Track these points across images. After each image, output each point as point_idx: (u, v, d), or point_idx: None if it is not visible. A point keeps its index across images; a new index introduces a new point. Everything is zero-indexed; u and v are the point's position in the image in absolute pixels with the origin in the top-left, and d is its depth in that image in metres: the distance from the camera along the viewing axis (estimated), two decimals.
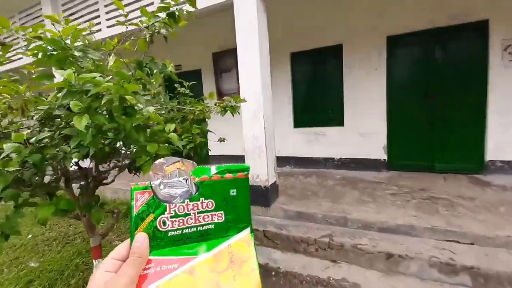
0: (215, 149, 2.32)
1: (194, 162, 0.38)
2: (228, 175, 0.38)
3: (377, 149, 4.06)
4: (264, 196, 2.89)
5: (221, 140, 2.07)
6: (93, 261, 1.75)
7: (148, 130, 1.26)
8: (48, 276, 2.27)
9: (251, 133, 2.88)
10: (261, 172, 2.86)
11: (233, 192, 0.38)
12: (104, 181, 1.77)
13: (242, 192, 0.38)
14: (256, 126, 2.84)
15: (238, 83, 2.88)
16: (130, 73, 1.37)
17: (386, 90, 3.90)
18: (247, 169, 0.39)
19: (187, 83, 2.04)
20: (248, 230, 0.39)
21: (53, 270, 2.37)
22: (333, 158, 4.38)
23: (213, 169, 0.38)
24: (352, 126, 4.18)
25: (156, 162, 0.36)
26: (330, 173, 4.16)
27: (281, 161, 4.57)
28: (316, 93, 4.45)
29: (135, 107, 1.13)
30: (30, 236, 3.19)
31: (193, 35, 4.60)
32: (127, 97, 1.01)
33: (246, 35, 2.77)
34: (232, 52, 4.51)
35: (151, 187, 0.35)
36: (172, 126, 1.32)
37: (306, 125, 4.56)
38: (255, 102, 2.81)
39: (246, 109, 2.88)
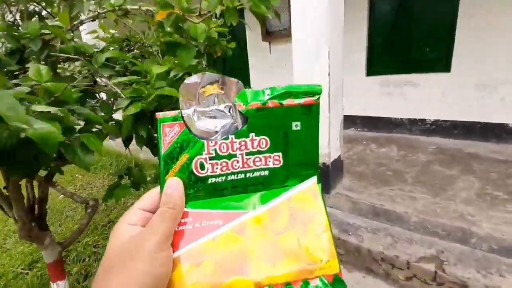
0: None
1: (240, 82, 0.28)
2: (289, 101, 0.27)
3: (501, 109, 2.63)
4: (322, 176, 1.97)
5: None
6: (51, 284, 1.17)
7: None
8: None
9: (306, 79, 1.86)
10: (319, 142, 1.90)
11: (296, 125, 0.28)
12: None
13: (309, 125, 0.28)
14: (315, 70, 1.80)
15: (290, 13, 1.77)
16: None
17: None
18: (318, 92, 0.28)
19: None
20: (314, 179, 0.29)
21: None
22: (424, 120, 3.08)
23: (267, 92, 0.27)
24: (465, 72, 2.74)
25: (187, 81, 0.27)
26: (418, 141, 2.94)
27: (344, 121, 3.48)
28: (405, 19, 2.99)
29: None
30: (61, 196, 2.98)
31: None
32: None
33: None
34: None
35: (182, 117, 0.27)
36: None
37: (386, 71, 3.24)
38: (315, 31, 1.72)
39: (299, 44, 1.82)
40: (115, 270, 0.23)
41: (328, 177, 1.96)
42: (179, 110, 0.27)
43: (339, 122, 2.00)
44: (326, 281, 0.26)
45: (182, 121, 0.27)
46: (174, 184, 0.27)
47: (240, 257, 0.26)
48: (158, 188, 0.27)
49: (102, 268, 0.24)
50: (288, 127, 0.28)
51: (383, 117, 3.35)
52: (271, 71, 4.15)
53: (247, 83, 4.37)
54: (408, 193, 1.88)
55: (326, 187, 1.97)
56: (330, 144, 1.90)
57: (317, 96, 0.28)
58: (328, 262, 0.26)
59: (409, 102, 3.14)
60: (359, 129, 3.56)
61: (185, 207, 0.27)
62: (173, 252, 0.25)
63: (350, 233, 1.64)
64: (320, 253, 0.26)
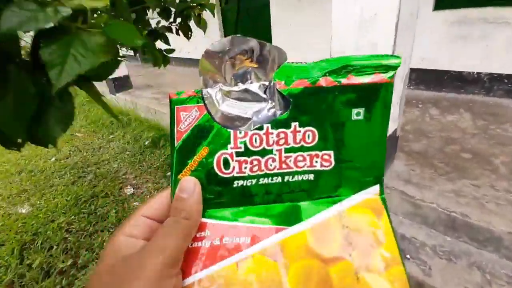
0: None
1: (283, 51, 0.21)
2: (351, 79, 0.20)
3: None
4: None
5: None
6: None
7: None
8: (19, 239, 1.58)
9: (354, 9, 1.10)
10: None
11: (357, 113, 0.21)
12: None
13: (375, 114, 0.21)
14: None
15: None
16: None
17: None
18: (394, 66, 0.20)
19: None
20: (376, 188, 0.22)
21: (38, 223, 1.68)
22: None
23: (321, 65, 0.21)
24: None
25: (210, 47, 0.20)
26: (500, 106, 2.11)
27: None
28: None
29: None
30: (53, 159, 2.65)
31: None
32: None
33: None
34: None
35: (202, 98, 0.21)
36: None
37: (462, 3, 2.26)
38: None
39: None
40: None
41: None
42: (199, 89, 0.21)
43: (402, 79, 1.27)
44: None
45: (202, 104, 0.21)
46: (189, 187, 0.21)
47: None
48: (168, 190, 0.22)
49: None
50: (345, 116, 0.21)
51: (450, 70, 2.47)
52: (299, 7, 3.23)
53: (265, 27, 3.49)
54: (505, 193, 1.21)
55: None
56: None
57: (392, 73, 0.20)
58: None
59: (493, 50, 2.21)
60: (412, 87, 2.72)
61: (203, 217, 0.21)
62: (183, 278, 0.20)
63: (408, 256, 1.06)
64: None
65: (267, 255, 0.20)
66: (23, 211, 1.87)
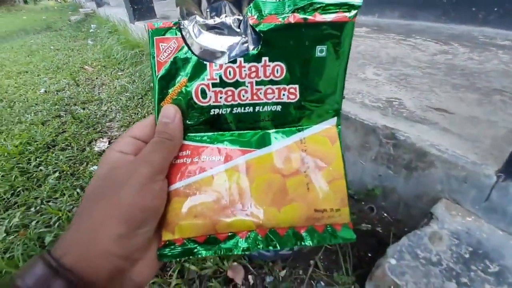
0: None
1: None
2: (316, 16, 0.22)
3: None
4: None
5: None
6: None
7: None
8: None
9: None
10: None
11: (321, 50, 0.23)
12: None
13: (337, 51, 0.23)
14: None
15: None
16: None
17: None
18: (355, 6, 0.22)
19: None
20: (334, 120, 0.26)
21: None
22: None
23: (289, 2, 0.22)
24: None
25: None
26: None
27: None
28: None
29: None
30: (43, 90, 2.13)
31: None
32: None
33: None
34: None
35: (180, 30, 0.23)
36: None
37: None
38: None
39: None
40: (100, 198, 0.20)
41: None
42: (176, 21, 0.23)
43: None
44: (333, 230, 0.24)
45: (180, 36, 0.23)
46: (171, 113, 0.23)
47: (242, 197, 0.23)
48: (152, 116, 0.24)
49: (86, 196, 0.22)
50: (310, 52, 0.23)
51: None
52: None
53: None
54: None
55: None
56: None
57: (354, 12, 0.22)
58: (338, 210, 0.24)
59: None
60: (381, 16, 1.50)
61: (184, 140, 0.24)
62: (170, 185, 0.23)
63: None
64: (330, 201, 0.24)
65: (238, 170, 0.24)
66: None
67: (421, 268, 0.49)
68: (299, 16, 0.21)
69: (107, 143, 1.40)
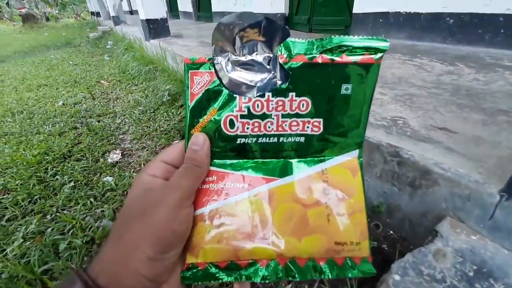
0: None
1: (286, 28, 0.23)
2: (343, 58, 0.23)
3: None
4: None
5: None
6: None
7: None
8: None
9: None
10: None
11: (346, 88, 0.24)
12: None
13: (361, 90, 0.24)
14: None
15: None
16: None
17: None
18: (382, 49, 0.23)
19: None
20: (356, 152, 0.26)
21: None
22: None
23: (318, 43, 0.23)
24: None
25: (223, 20, 0.23)
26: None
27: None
28: None
29: None
30: (61, 103, 2.23)
31: None
32: None
33: None
34: None
35: (213, 65, 0.24)
36: None
37: None
38: None
39: None
40: (136, 217, 0.22)
41: None
42: (210, 56, 0.24)
43: None
44: (353, 264, 0.24)
45: (213, 70, 0.24)
46: (200, 141, 0.25)
47: (264, 225, 0.24)
48: (182, 142, 0.26)
49: (120, 216, 0.23)
50: (335, 90, 0.24)
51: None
52: None
53: None
54: None
55: None
56: None
57: (380, 55, 0.23)
58: (358, 244, 0.24)
59: None
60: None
61: (211, 166, 0.26)
62: (195, 209, 0.24)
63: None
64: (351, 234, 0.24)
65: (261, 198, 0.25)
66: None
67: (425, 284, 0.50)
68: (327, 57, 0.23)
69: (120, 154, 1.45)
